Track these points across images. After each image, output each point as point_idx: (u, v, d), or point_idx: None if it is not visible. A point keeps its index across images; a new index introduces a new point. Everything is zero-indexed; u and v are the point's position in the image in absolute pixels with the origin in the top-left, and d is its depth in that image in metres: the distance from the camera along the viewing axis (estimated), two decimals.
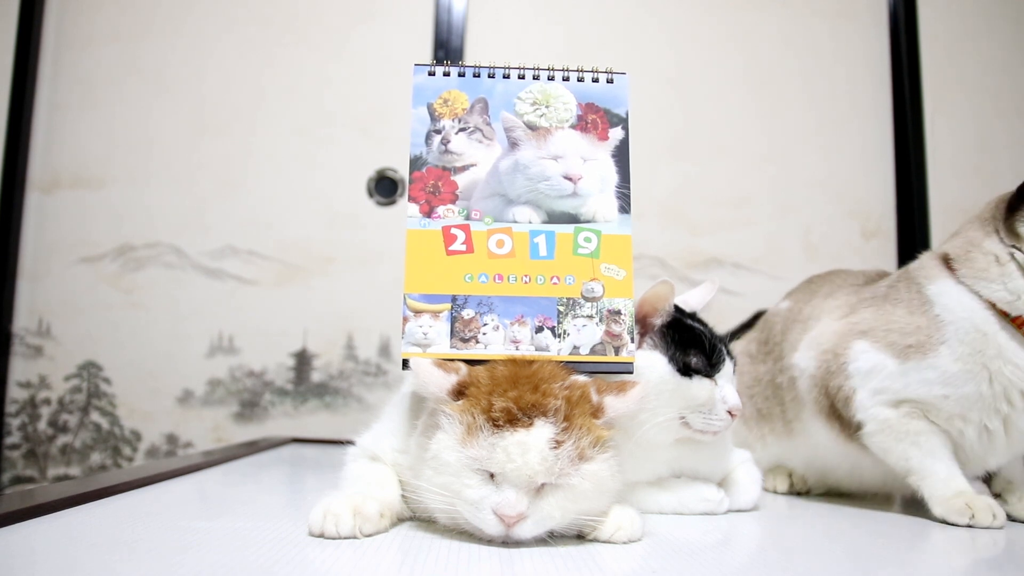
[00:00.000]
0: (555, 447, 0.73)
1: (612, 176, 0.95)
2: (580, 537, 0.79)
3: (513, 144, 0.95)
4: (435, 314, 0.87)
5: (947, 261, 1.07)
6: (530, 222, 0.92)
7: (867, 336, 1.07)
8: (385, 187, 2.12)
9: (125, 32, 2.15)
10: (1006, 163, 2.23)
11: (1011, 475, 1.11)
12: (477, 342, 0.87)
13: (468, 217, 0.91)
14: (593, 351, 0.88)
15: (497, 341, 0.87)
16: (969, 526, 0.97)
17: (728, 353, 1.02)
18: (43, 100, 2.11)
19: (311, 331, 2.08)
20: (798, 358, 1.16)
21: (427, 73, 0.97)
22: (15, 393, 2.04)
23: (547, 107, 0.97)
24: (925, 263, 1.11)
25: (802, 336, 1.18)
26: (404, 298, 0.88)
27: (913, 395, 1.02)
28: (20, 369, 2.05)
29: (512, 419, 0.74)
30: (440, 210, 0.91)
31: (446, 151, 0.94)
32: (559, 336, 0.88)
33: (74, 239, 2.08)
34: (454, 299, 0.88)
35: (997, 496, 1.10)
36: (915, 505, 1.22)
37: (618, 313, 0.89)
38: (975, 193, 2.21)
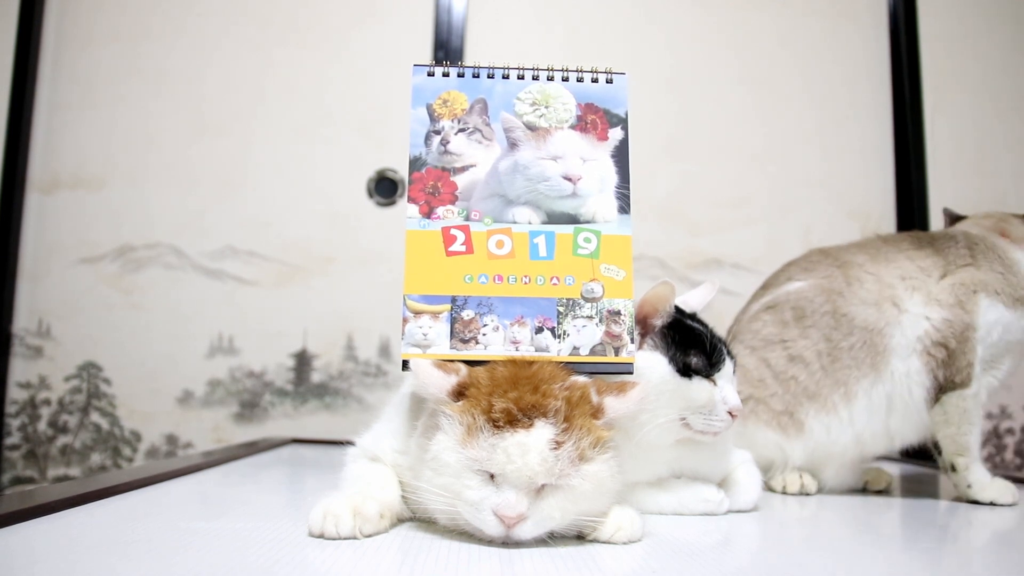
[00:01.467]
0: (555, 448, 0.73)
1: (612, 176, 0.95)
2: (580, 537, 0.79)
3: (512, 145, 0.95)
4: (435, 315, 0.87)
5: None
6: (530, 223, 0.92)
7: (984, 289, 1.23)
8: (385, 187, 2.12)
9: (125, 32, 2.15)
10: (1006, 163, 2.23)
11: None
12: (477, 343, 0.87)
13: (468, 218, 0.91)
14: (593, 352, 0.88)
15: (497, 342, 0.87)
16: (1013, 504, 1.17)
17: (728, 353, 1.02)
18: (43, 100, 2.11)
19: (311, 331, 2.08)
20: (927, 313, 1.23)
21: (426, 73, 0.97)
22: (15, 394, 2.04)
23: (546, 107, 0.97)
24: (989, 239, 1.31)
25: (894, 293, 1.25)
26: (404, 299, 0.88)
27: (1019, 338, 1.24)
28: (20, 370, 2.05)
29: (512, 420, 0.74)
30: (440, 211, 0.91)
31: (445, 152, 0.94)
32: (559, 337, 0.88)
33: (74, 240, 2.08)
34: (454, 300, 0.88)
35: None
36: (915, 503, 1.22)
37: (618, 314, 0.89)
38: (975, 193, 2.21)
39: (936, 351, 1.22)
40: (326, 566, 0.66)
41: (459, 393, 0.78)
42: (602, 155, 0.95)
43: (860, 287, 1.27)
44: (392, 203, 2.12)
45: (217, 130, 2.13)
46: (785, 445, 1.26)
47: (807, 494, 1.25)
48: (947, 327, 1.22)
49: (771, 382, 1.27)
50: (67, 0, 2.15)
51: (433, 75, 0.97)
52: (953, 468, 1.23)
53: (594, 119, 0.97)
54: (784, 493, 1.25)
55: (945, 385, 1.22)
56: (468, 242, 0.90)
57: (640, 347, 0.98)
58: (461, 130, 0.95)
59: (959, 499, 1.24)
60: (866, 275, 1.29)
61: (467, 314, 0.88)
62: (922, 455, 1.47)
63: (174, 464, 1.24)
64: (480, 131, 0.95)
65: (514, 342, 0.87)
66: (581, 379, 0.82)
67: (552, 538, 0.76)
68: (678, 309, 1.03)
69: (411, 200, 0.91)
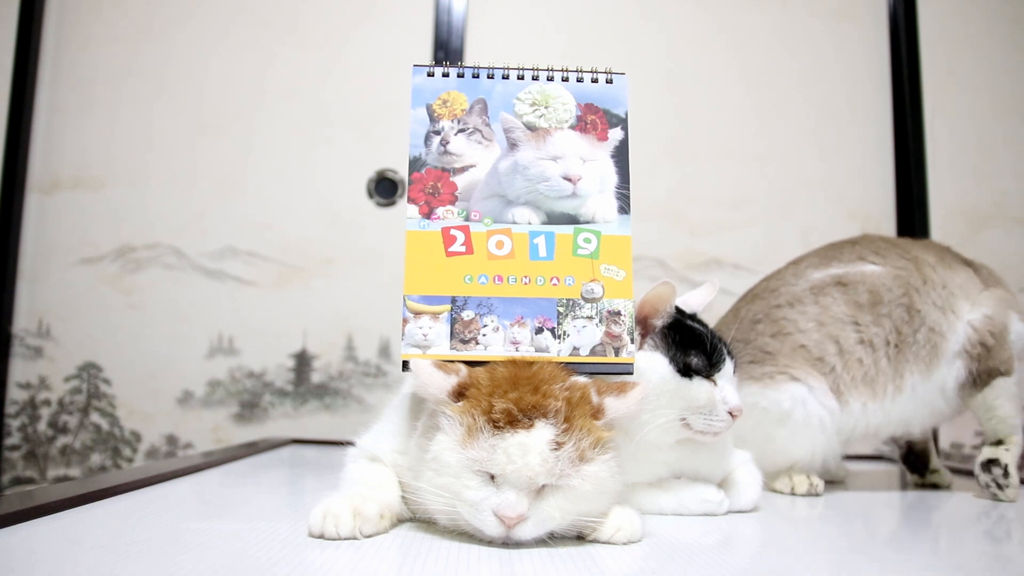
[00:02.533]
0: (555, 448, 0.73)
1: (611, 177, 0.95)
2: (580, 538, 0.79)
3: (512, 145, 0.95)
4: (435, 315, 0.87)
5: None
6: (529, 223, 0.92)
7: (1013, 308, 1.35)
8: (385, 188, 2.12)
9: (125, 33, 2.15)
10: (1006, 163, 2.23)
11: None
12: (477, 343, 0.87)
13: (467, 218, 0.91)
14: (593, 352, 0.88)
15: (497, 342, 0.87)
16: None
17: (729, 353, 1.02)
18: (43, 101, 2.11)
19: (311, 332, 2.08)
20: (970, 319, 1.31)
21: (426, 74, 0.97)
22: (15, 394, 2.04)
23: (546, 108, 0.97)
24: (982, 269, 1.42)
25: (954, 301, 1.32)
26: (404, 299, 0.88)
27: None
28: (20, 370, 2.05)
29: (512, 420, 0.74)
30: (439, 211, 0.91)
31: (445, 152, 0.94)
32: (559, 337, 0.88)
33: (74, 240, 2.08)
34: (454, 300, 0.88)
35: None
36: (915, 502, 1.22)
37: (618, 314, 0.89)
38: (975, 193, 2.21)
39: (974, 348, 1.29)
40: (326, 566, 0.66)
41: (459, 394, 0.78)
42: (602, 155, 0.95)
43: (932, 289, 1.32)
44: (392, 203, 2.12)
45: (217, 130, 2.13)
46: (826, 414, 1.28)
47: (816, 495, 1.25)
48: (988, 323, 1.29)
49: (833, 358, 1.27)
50: (67, 1, 2.15)
51: (433, 75, 0.97)
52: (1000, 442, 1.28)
53: (594, 119, 0.97)
54: (792, 494, 1.25)
55: (992, 371, 1.28)
56: (468, 242, 0.90)
57: (640, 347, 0.98)
58: (461, 130, 0.95)
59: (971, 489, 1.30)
60: (936, 277, 1.33)
61: (467, 315, 0.88)
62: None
63: (174, 464, 1.24)
64: (480, 131, 0.95)
65: (514, 343, 0.87)
66: (581, 379, 0.82)
67: (552, 538, 0.76)
68: (678, 310, 1.03)
69: (411, 200, 0.91)
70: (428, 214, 0.91)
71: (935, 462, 1.43)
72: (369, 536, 0.76)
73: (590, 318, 0.89)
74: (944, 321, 1.30)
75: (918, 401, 1.28)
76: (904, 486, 1.44)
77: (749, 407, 1.19)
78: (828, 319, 1.30)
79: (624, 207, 0.94)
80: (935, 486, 1.42)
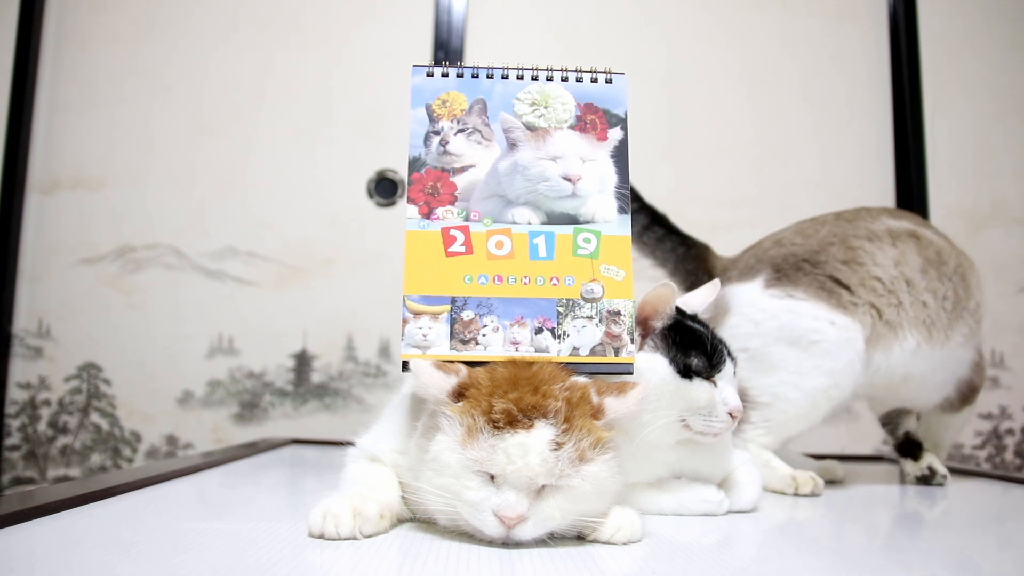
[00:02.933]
0: (555, 448, 0.73)
1: (611, 176, 0.95)
2: (580, 538, 0.79)
3: (512, 145, 0.95)
4: (435, 316, 0.87)
5: None
6: (529, 223, 0.92)
7: None
8: (385, 188, 2.12)
9: (125, 33, 2.15)
10: (1006, 163, 2.23)
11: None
12: (477, 344, 0.87)
13: (467, 218, 0.91)
14: (593, 352, 0.88)
15: (497, 342, 0.87)
16: None
17: (729, 354, 1.02)
18: (43, 101, 2.12)
19: (311, 332, 2.08)
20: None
21: (426, 74, 0.97)
22: (15, 394, 2.04)
23: (546, 108, 0.97)
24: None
25: (982, 300, 1.45)
26: (404, 300, 0.88)
27: None
28: (20, 370, 2.05)
29: (512, 421, 0.74)
30: (439, 211, 0.91)
31: (445, 152, 0.94)
32: (559, 337, 0.88)
33: (74, 240, 2.08)
34: (453, 301, 0.88)
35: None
36: (915, 503, 1.23)
37: (618, 314, 0.89)
38: (975, 193, 2.21)
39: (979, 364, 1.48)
40: (326, 567, 0.66)
41: (459, 394, 0.78)
42: (601, 155, 0.95)
43: (975, 277, 1.45)
44: (392, 203, 2.12)
45: (217, 130, 2.13)
46: (896, 342, 1.36)
47: (816, 495, 1.25)
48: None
49: (904, 295, 1.34)
50: (67, 1, 2.15)
51: (432, 75, 0.97)
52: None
53: (593, 119, 0.97)
54: (796, 495, 1.24)
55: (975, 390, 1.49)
56: (468, 243, 0.90)
57: (640, 348, 0.98)
58: (460, 131, 0.95)
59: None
60: (974, 272, 1.46)
61: (467, 315, 0.88)
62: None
63: (174, 464, 1.24)
64: (479, 131, 0.95)
65: (514, 343, 0.87)
66: (581, 380, 0.82)
67: (552, 539, 0.76)
68: (679, 310, 1.03)
69: (411, 201, 0.91)
70: (428, 214, 0.91)
71: (927, 445, 1.49)
72: (369, 536, 0.76)
73: (590, 318, 0.89)
74: (982, 308, 1.42)
75: (955, 359, 1.39)
76: (903, 485, 1.45)
77: (813, 318, 1.30)
78: (903, 261, 1.36)
79: (624, 207, 0.94)
80: (932, 476, 1.41)
